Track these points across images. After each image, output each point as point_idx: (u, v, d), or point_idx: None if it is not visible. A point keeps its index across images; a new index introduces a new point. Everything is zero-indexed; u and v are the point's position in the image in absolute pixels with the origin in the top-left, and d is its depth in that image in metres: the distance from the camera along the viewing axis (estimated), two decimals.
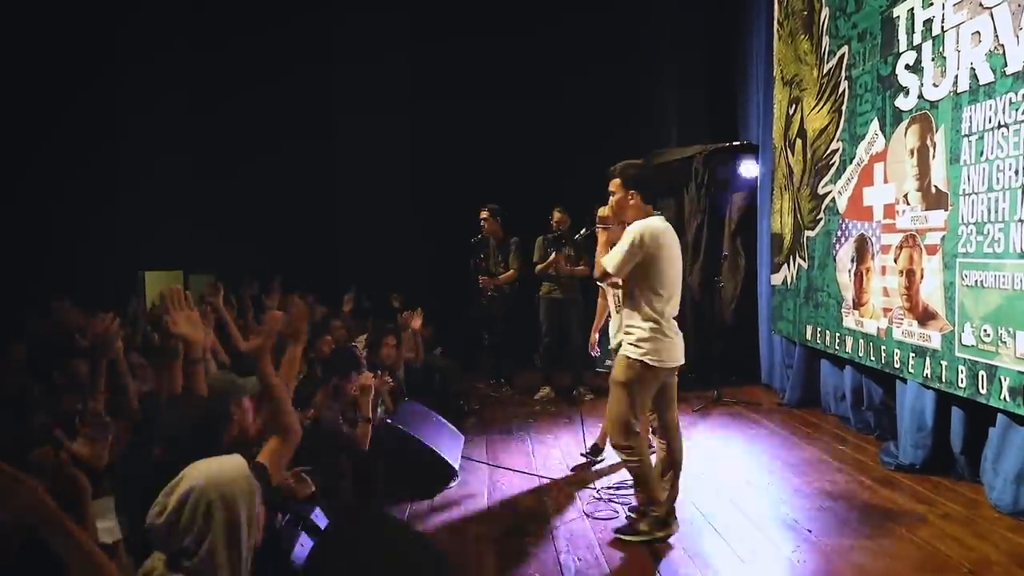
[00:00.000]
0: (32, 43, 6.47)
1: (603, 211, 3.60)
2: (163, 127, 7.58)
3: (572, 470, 4.39)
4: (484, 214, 6.57)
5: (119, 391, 2.85)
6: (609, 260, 3.23)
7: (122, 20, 7.15)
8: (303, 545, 2.70)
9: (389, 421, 4.04)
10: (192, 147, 7.92)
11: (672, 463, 3.44)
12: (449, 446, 4.28)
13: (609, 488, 3.98)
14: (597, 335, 4.91)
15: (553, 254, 6.25)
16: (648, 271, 3.20)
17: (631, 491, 3.88)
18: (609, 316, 4.55)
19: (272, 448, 2.20)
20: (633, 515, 3.44)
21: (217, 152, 7.90)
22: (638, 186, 3.29)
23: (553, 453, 4.75)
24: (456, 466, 4.17)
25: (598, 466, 4.43)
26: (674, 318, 3.34)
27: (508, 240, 6.61)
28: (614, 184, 3.33)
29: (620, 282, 4.19)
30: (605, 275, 3.28)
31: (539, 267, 6.40)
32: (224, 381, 2.75)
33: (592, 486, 4.07)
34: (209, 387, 2.66)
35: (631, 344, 3.24)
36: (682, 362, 3.35)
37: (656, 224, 3.23)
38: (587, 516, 3.65)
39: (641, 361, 3.21)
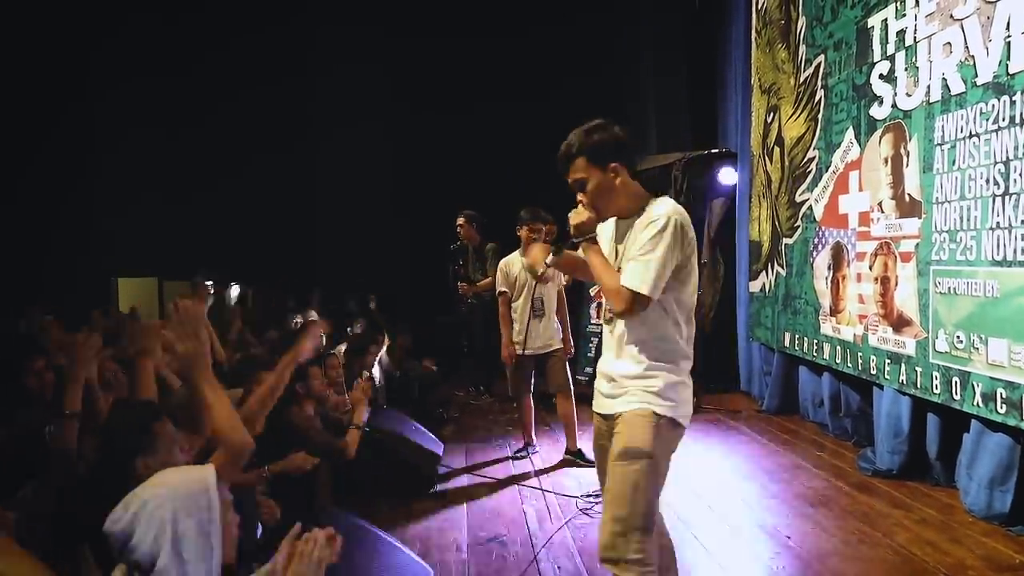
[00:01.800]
0: (12, 57, 6.39)
1: (577, 216, 2.21)
2: (139, 133, 7.50)
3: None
4: (460, 221, 6.56)
5: (90, 406, 2.79)
6: (636, 278, 2.06)
7: (107, 30, 7.08)
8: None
9: (367, 429, 4.00)
10: (169, 153, 7.84)
11: (670, 554, 2.36)
12: (427, 454, 4.25)
13: (589, 496, 3.96)
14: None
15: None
16: (678, 281, 2.13)
17: None
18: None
19: (217, 461, 2.10)
20: None
21: (195, 158, 7.83)
22: (618, 155, 2.18)
23: (532, 460, 4.73)
24: (435, 474, 4.13)
25: (579, 474, 4.41)
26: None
27: (485, 246, 6.60)
28: (579, 167, 2.19)
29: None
30: (636, 302, 2.06)
31: None
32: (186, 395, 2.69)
33: (572, 494, 4.05)
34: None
35: (653, 393, 2.13)
36: None
37: (678, 205, 2.18)
38: (567, 524, 3.63)
39: (671, 419, 2.13)
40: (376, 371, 5.25)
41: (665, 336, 2.15)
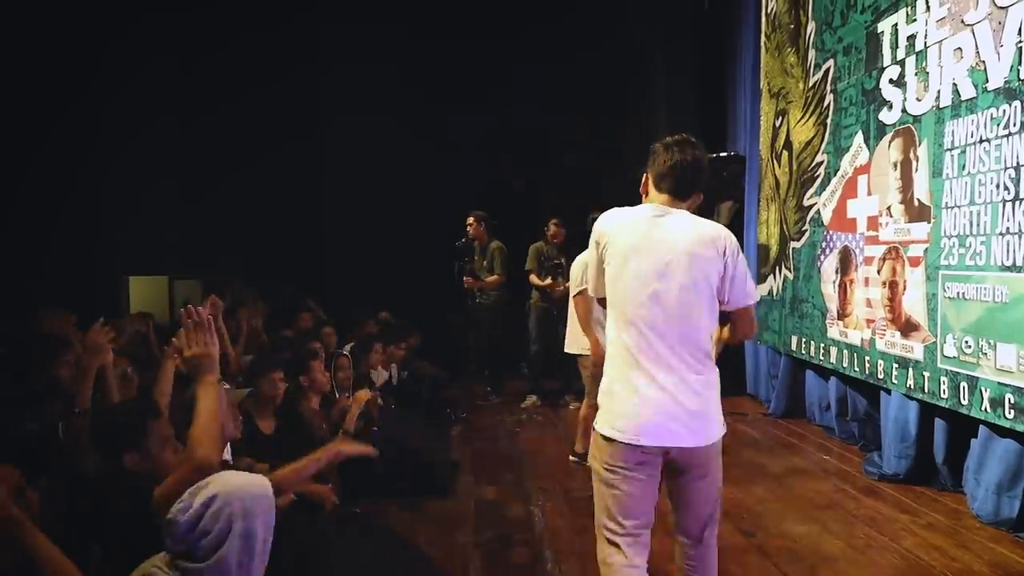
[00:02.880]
0: (23, 52, 6.43)
1: None
2: (149, 132, 7.53)
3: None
4: (470, 220, 6.63)
5: (104, 400, 2.82)
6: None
7: (115, 29, 7.12)
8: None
9: (376, 429, 4.02)
10: (179, 152, 7.87)
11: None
12: (436, 454, 4.26)
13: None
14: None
15: (549, 279, 6.28)
16: (605, 282, 2.18)
17: None
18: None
19: (180, 472, 2.01)
20: None
21: (204, 157, 7.85)
22: (651, 162, 2.21)
23: (540, 461, 4.74)
24: (442, 474, 4.15)
25: (588, 474, 4.41)
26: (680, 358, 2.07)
27: (491, 245, 6.66)
28: None
29: None
30: (581, 297, 2.48)
31: (534, 280, 6.39)
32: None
33: (580, 495, 4.05)
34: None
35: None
36: (687, 442, 2.10)
37: (622, 211, 2.21)
38: (575, 523, 3.62)
39: (594, 429, 2.20)
40: (394, 369, 5.28)
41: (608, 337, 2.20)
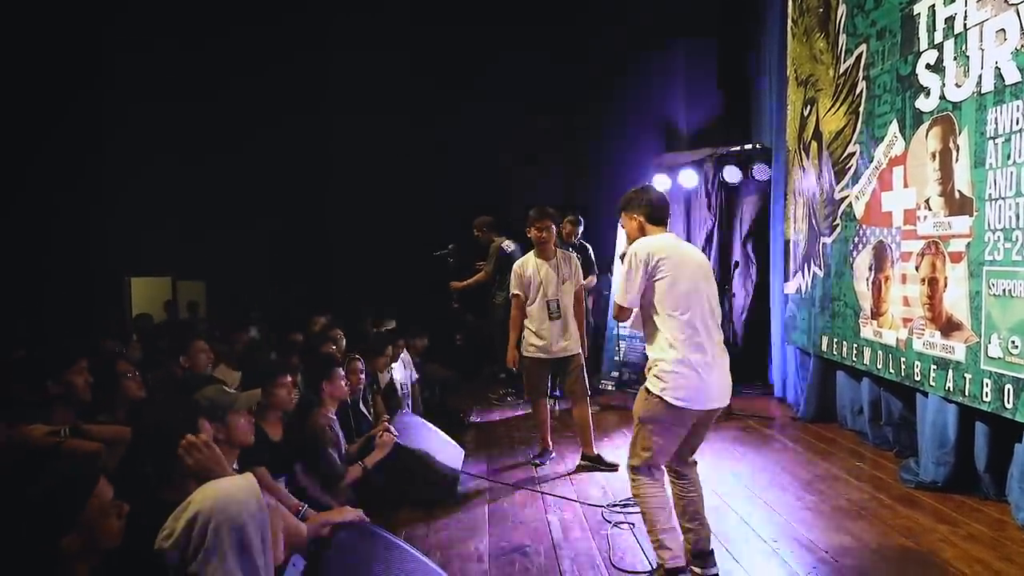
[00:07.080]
0: (21, 54, 6.43)
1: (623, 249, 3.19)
2: (152, 133, 7.51)
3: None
4: (476, 233, 6.64)
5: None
6: (616, 292, 2.93)
7: (108, 31, 7.10)
8: (295, 565, 2.59)
9: (396, 445, 3.90)
10: (181, 153, 7.84)
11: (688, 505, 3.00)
12: (448, 461, 4.14)
13: (615, 506, 3.82)
14: (517, 352, 4.59)
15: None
16: (655, 292, 2.85)
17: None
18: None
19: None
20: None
21: (206, 159, 7.82)
22: (637, 207, 3.05)
23: (556, 468, 4.60)
24: (456, 481, 4.02)
25: (605, 482, 4.27)
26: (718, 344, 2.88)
27: (490, 245, 6.61)
28: (622, 217, 3.12)
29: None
30: (621, 310, 2.93)
31: None
32: (214, 395, 2.63)
33: (598, 503, 3.91)
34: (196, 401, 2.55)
35: (654, 376, 2.83)
36: (721, 404, 2.87)
37: (654, 239, 2.94)
38: (593, 534, 3.49)
39: (660, 397, 2.78)
40: (398, 373, 5.17)
41: (657, 334, 2.88)
